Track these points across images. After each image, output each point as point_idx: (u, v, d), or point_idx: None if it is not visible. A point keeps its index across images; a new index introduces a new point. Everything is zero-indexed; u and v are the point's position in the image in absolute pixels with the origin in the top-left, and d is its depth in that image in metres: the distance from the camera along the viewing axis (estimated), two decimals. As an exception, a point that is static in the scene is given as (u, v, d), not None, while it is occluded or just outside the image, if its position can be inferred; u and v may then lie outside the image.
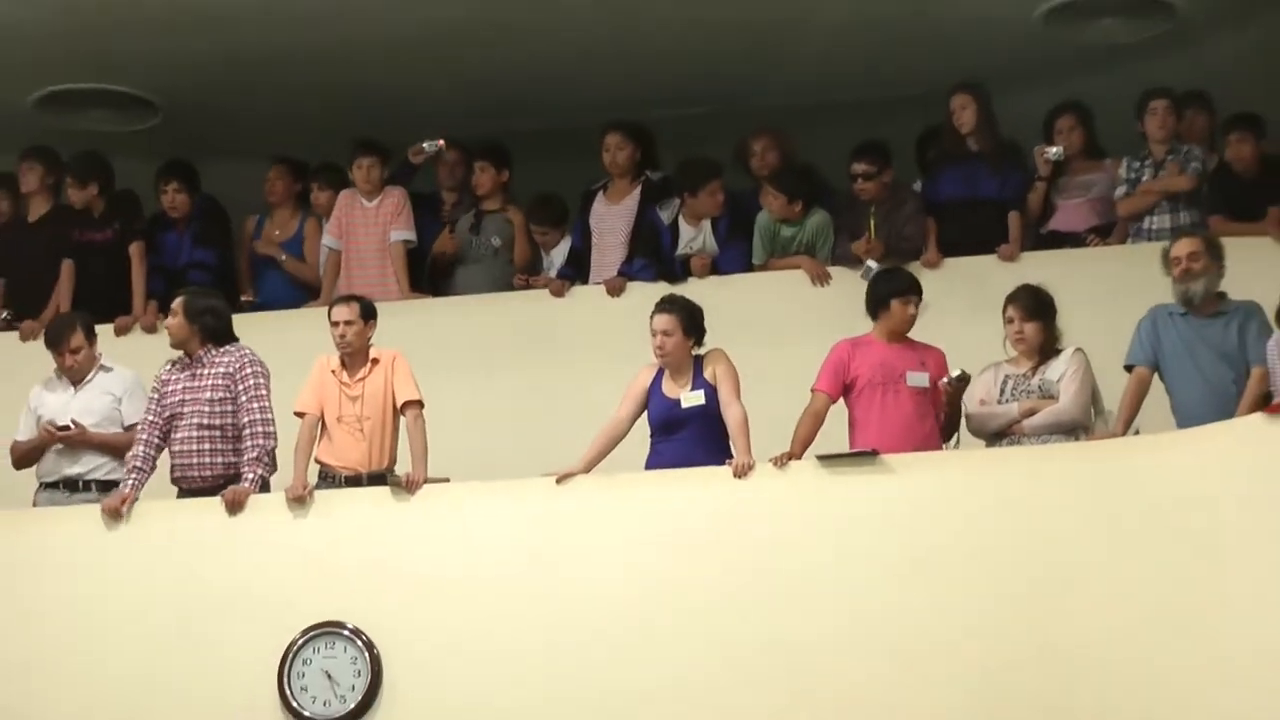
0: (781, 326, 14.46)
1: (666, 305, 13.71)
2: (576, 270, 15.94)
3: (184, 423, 14.21)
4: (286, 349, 14.77)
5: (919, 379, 13.43)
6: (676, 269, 15.58)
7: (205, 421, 14.17)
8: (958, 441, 13.75)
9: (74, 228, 16.63)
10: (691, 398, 13.60)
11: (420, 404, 14.08)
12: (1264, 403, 12.54)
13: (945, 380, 13.35)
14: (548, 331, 15.67)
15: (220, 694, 13.67)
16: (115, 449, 14.61)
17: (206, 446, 14.18)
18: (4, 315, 16.66)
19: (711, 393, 13.55)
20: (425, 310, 15.89)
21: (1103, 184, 15.18)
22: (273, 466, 14.14)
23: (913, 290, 13.83)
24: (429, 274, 16.45)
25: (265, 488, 14.01)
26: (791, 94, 16.30)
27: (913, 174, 15.83)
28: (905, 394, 13.47)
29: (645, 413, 13.80)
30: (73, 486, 14.68)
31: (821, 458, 13.32)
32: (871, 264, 14.65)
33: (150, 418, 14.30)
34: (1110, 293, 13.91)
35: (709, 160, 15.82)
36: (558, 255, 16.06)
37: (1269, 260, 13.93)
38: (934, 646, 13.04)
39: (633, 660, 13.28)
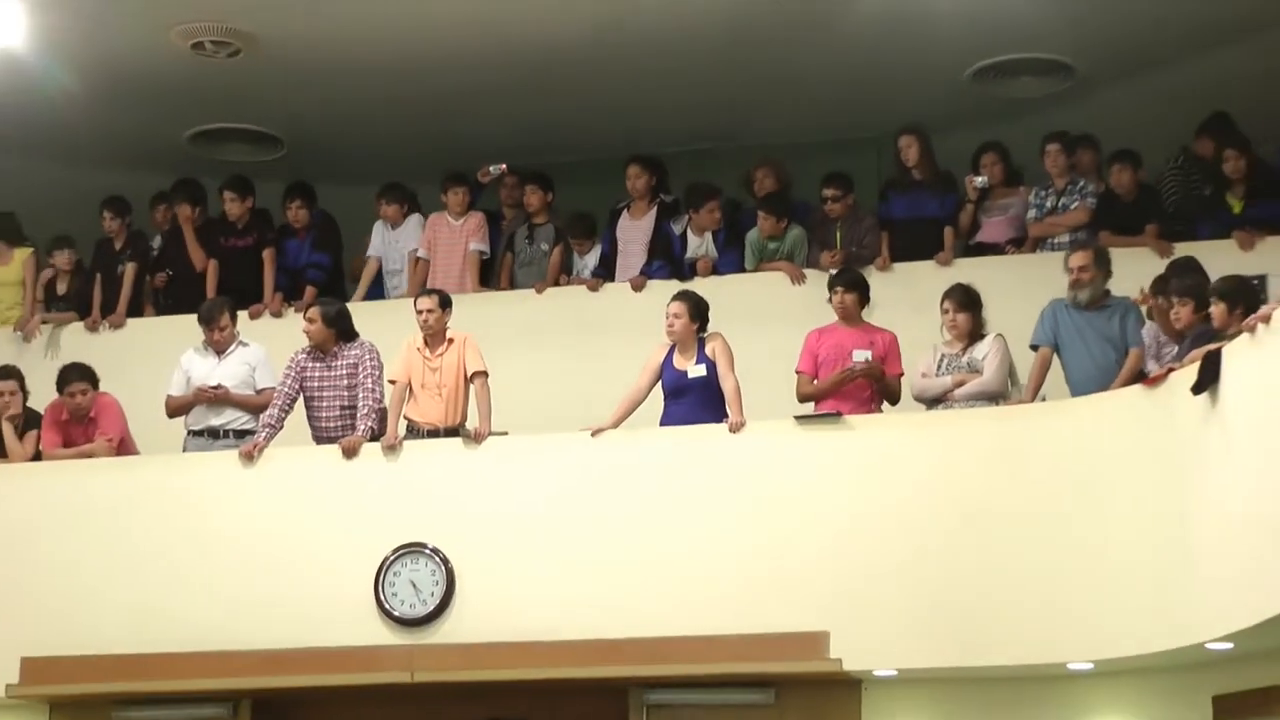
0: (767, 316, 14.48)
1: (680, 296, 13.98)
2: (606, 271, 15.97)
3: (325, 404, 14.58)
4: (385, 332, 14.94)
5: (863, 355, 13.60)
6: (685, 270, 15.65)
7: (344, 403, 14.51)
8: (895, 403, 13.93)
9: (220, 235, 16.72)
10: (696, 370, 13.74)
11: (485, 374, 14.21)
12: (1138, 378, 12.69)
13: (852, 364, 13.57)
14: (584, 318, 15.72)
15: (330, 600, 13.84)
16: (249, 407, 14.80)
17: (348, 421, 14.42)
18: (167, 272, 16.77)
19: (711, 366, 13.68)
20: (491, 301, 15.90)
21: (1018, 206, 15.31)
22: (381, 427, 14.26)
23: (834, 285, 14.09)
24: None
25: (374, 439, 14.10)
26: (771, 135, 16.30)
27: (869, 197, 15.86)
28: (857, 364, 13.63)
29: (659, 382, 13.91)
30: (215, 434, 14.84)
31: (797, 418, 13.52)
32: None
33: (285, 389, 14.58)
34: (1024, 291, 13.95)
35: (709, 184, 15.96)
36: (590, 259, 16.08)
37: (1146, 265, 14.01)
38: (883, 557, 13.19)
39: (647, 564, 13.56)
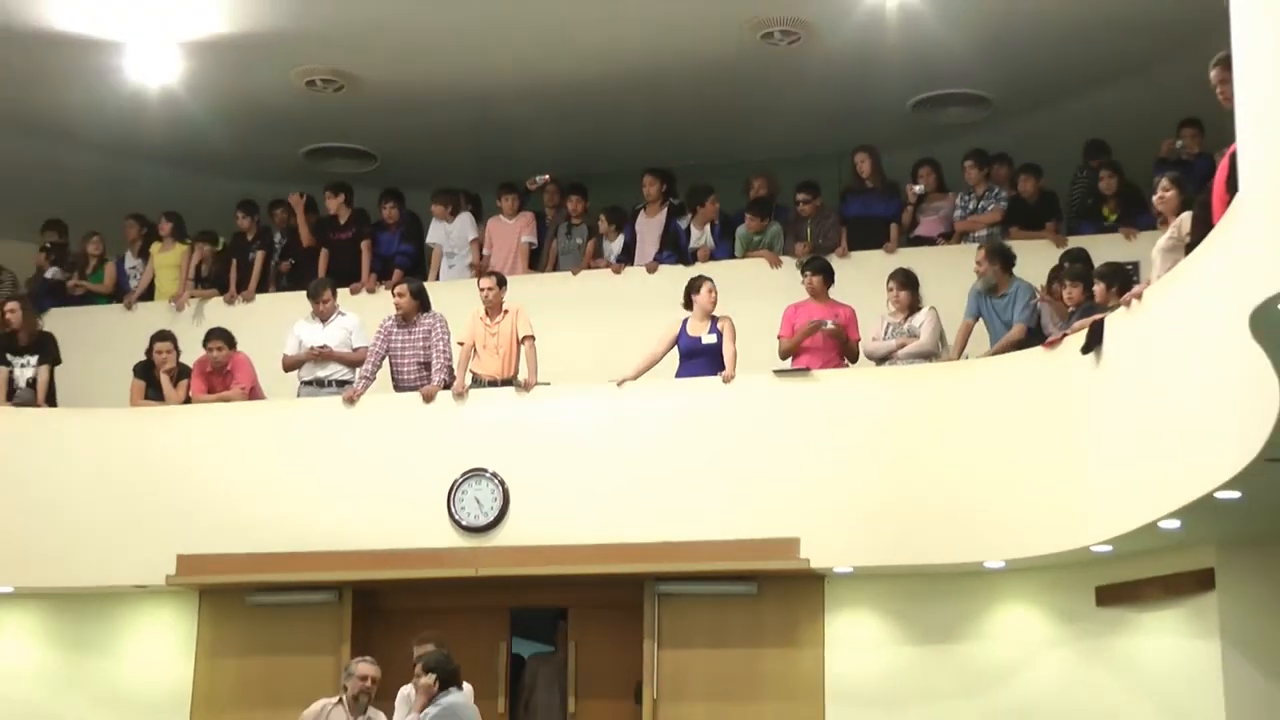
0: (751, 293, 14.44)
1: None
2: (627, 257, 16.01)
3: (406, 361, 14.64)
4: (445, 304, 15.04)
5: (829, 322, 13.75)
6: (689, 257, 15.64)
7: (421, 360, 14.56)
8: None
9: (330, 230, 16.79)
10: (709, 337, 13.88)
11: (532, 337, 14.32)
12: (1015, 348, 13.09)
13: (823, 326, 13.65)
14: (610, 294, 15.72)
15: (412, 512, 14.01)
16: (347, 362, 14.87)
17: (423, 374, 14.49)
18: (290, 261, 16.92)
19: (719, 336, 13.81)
20: (537, 281, 15.91)
21: (947, 208, 15.30)
22: (450, 379, 14.34)
23: (805, 269, 14.27)
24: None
25: (445, 388, 14.20)
26: (755, 151, 16.25)
27: (832, 200, 15.89)
28: (819, 334, 13.71)
29: (675, 346, 14.05)
30: (321, 384, 14.90)
31: (776, 372, 13.66)
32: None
33: (376, 349, 14.65)
34: (952, 274, 13.94)
35: (706, 187, 15.98)
36: (616, 246, 16.03)
37: (1045, 254, 14.10)
38: (842, 479, 13.34)
39: (659, 485, 13.72)
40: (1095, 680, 12.79)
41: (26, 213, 17.54)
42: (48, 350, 15.56)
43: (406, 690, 11.96)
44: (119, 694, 14.83)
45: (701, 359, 13.98)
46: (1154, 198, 11.90)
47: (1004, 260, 13.45)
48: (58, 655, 15.12)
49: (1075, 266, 12.99)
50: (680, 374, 14.10)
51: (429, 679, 11.18)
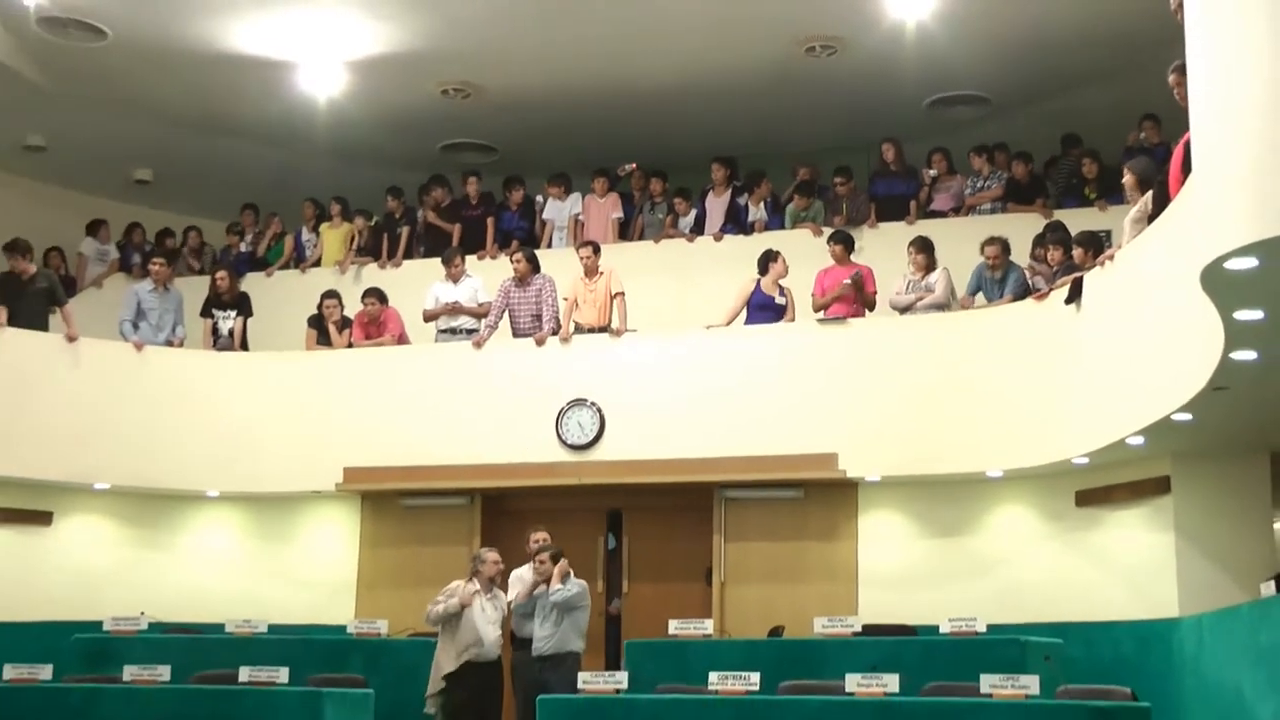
0: (799, 256, 14.41)
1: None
2: (698, 229, 15.94)
3: (522, 313, 14.63)
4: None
5: (850, 279, 13.72)
6: (748, 229, 15.62)
7: (534, 312, 14.53)
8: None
9: (461, 209, 16.80)
10: (780, 299, 14.01)
11: (622, 294, 14.43)
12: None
13: (844, 284, 13.64)
14: (685, 259, 15.69)
15: (529, 433, 14.12)
16: (475, 315, 14.91)
17: (535, 324, 14.47)
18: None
19: (785, 297, 13.97)
20: (626, 249, 15.84)
21: (957, 187, 15.24)
22: (557, 328, 14.39)
23: (829, 241, 14.22)
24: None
25: (554, 334, 14.29)
26: (802, 142, 16.22)
27: (863, 182, 15.88)
28: (851, 290, 13.71)
29: (749, 300, 14.07)
30: (454, 332, 14.98)
31: (819, 320, 13.71)
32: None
33: (498, 304, 14.73)
34: (960, 239, 13.94)
35: (761, 171, 15.99)
36: (689, 220, 15.91)
37: (1035, 223, 14.05)
38: (871, 405, 13.39)
39: (727, 411, 13.80)
40: (1074, 566, 12.92)
41: (225, 198, 17.76)
42: (244, 306, 15.76)
43: (519, 571, 12.25)
44: (301, 576, 15.11)
45: (769, 313, 14.10)
46: (1123, 179, 11.90)
47: (1004, 248, 13.46)
48: (254, 546, 15.42)
49: (1058, 234, 13.01)
50: (749, 322, 14.15)
51: (565, 563, 11.84)
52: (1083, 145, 14.85)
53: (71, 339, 14.67)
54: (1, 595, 14.36)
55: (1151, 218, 10.43)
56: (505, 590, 12.24)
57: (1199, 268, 7.60)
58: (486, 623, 11.96)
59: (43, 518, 15.00)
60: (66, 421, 14.53)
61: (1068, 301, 12.02)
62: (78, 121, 16.35)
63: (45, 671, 11.45)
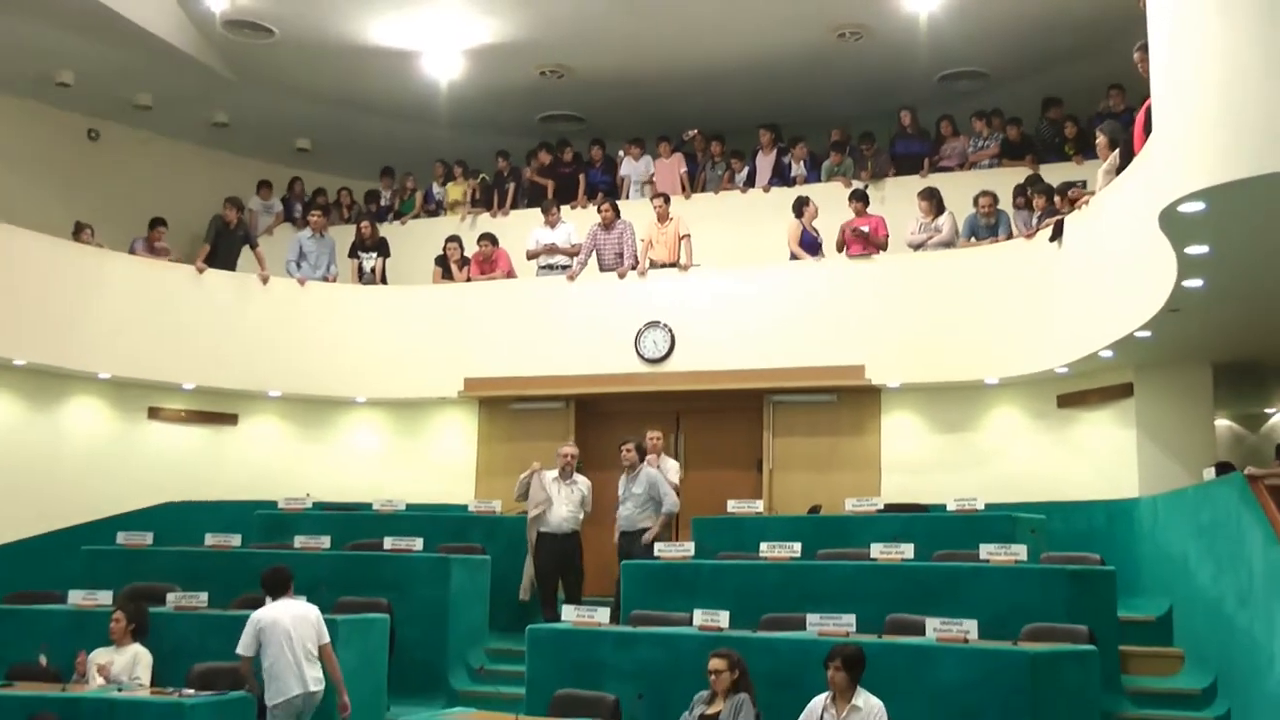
0: (832, 203, 14.28)
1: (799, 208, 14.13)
2: (750, 183, 15.74)
3: (608, 253, 14.66)
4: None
5: (864, 227, 13.66)
6: (790, 182, 15.40)
7: (617, 251, 14.55)
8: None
9: (558, 167, 16.68)
10: (818, 236, 13.96)
11: (689, 236, 14.40)
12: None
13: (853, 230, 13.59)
14: (738, 206, 15.47)
15: (614, 348, 14.18)
16: (568, 254, 14.93)
17: (619, 261, 14.51)
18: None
19: (820, 237, 13.94)
20: (692, 201, 15.61)
21: (961, 147, 15.03)
22: (636, 263, 14.37)
23: (850, 200, 14.02)
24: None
25: (634, 268, 14.31)
26: (832, 110, 16.01)
27: (885, 143, 15.70)
28: (859, 235, 13.64)
29: (800, 240, 14.00)
30: (552, 268, 15.02)
31: (849, 256, 13.60)
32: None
33: (587, 244, 14.78)
34: (963, 190, 13.78)
35: (800, 134, 15.72)
36: (742, 175, 15.67)
37: (1023, 174, 13.94)
38: (891, 324, 13.38)
39: (776, 331, 13.77)
40: (1055, 456, 12.97)
41: (367, 162, 17.83)
42: (383, 249, 15.85)
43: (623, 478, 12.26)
44: (431, 466, 15.32)
45: (813, 247, 14.05)
46: (1095, 140, 11.79)
47: (994, 200, 13.33)
48: (393, 441, 15.63)
49: (1038, 185, 12.95)
50: (791, 259, 14.09)
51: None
52: (1061, 105, 14.66)
53: (264, 279, 15.02)
54: (200, 480, 14.88)
55: (1119, 170, 10.40)
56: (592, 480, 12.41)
57: (1157, 211, 7.67)
58: (560, 502, 12.12)
59: (230, 419, 15.33)
60: (247, 343, 14.84)
61: (1051, 239, 11.99)
62: (252, 102, 16.48)
63: (235, 539, 11.82)
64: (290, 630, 8.81)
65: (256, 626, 8.83)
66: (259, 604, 9.15)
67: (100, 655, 9.28)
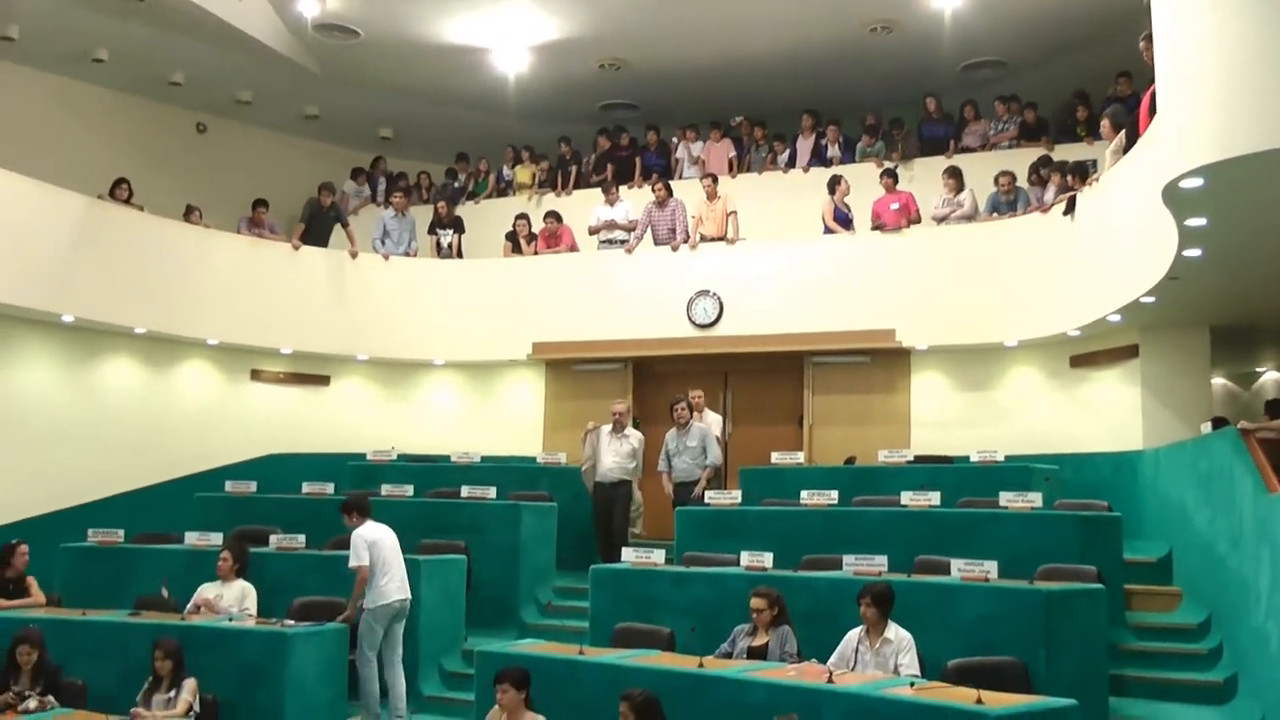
0: (864, 182, 14.26)
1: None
2: (791, 164, 15.60)
3: (662, 228, 14.62)
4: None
5: (895, 203, 13.60)
6: (827, 163, 15.25)
7: (670, 227, 14.54)
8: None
9: (616, 150, 16.64)
10: (850, 212, 13.94)
11: (735, 212, 14.31)
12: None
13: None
14: (781, 186, 15.34)
15: (667, 314, 14.15)
16: (626, 229, 14.90)
17: (672, 236, 14.48)
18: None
19: (851, 212, 13.89)
20: (738, 180, 15.47)
21: (982, 129, 14.88)
22: (687, 237, 14.33)
23: (881, 176, 13.99)
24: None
25: (685, 241, 14.28)
26: (864, 97, 15.89)
27: (914, 127, 15.57)
28: (891, 211, 13.59)
29: (834, 217, 13.95)
30: (611, 243, 14.98)
31: (882, 231, 13.51)
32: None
33: (643, 220, 14.78)
34: (984, 170, 13.67)
35: (836, 119, 15.52)
36: (784, 157, 15.60)
37: (1037, 154, 13.84)
38: (920, 290, 13.27)
39: (815, 299, 13.71)
40: (1069, 413, 12.93)
41: (444, 148, 17.91)
42: (458, 226, 15.92)
43: (672, 432, 12.29)
44: (502, 421, 15.45)
45: (845, 222, 14.01)
46: (1102, 124, 11.68)
47: (1013, 178, 13.23)
48: (468, 400, 15.74)
49: (1053, 164, 12.85)
50: (827, 232, 14.05)
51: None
52: (1089, 100, 14.49)
53: (354, 254, 15.16)
54: (296, 435, 15.14)
55: (1125, 150, 10.31)
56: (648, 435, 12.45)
57: (1160, 186, 7.67)
58: (608, 454, 12.17)
59: (323, 380, 15.52)
60: (338, 311, 15.01)
61: (1065, 213, 11.91)
62: (340, 96, 16.60)
63: (329, 487, 11.98)
64: (394, 544, 9.31)
65: (367, 541, 9.16)
66: (345, 545, 9.39)
67: (208, 589, 9.57)
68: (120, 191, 13.76)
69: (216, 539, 10.54)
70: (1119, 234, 10.43)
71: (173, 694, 7.89)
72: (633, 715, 6.39)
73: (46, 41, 14.39)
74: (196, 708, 7.90)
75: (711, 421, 12.63)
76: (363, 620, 9.13)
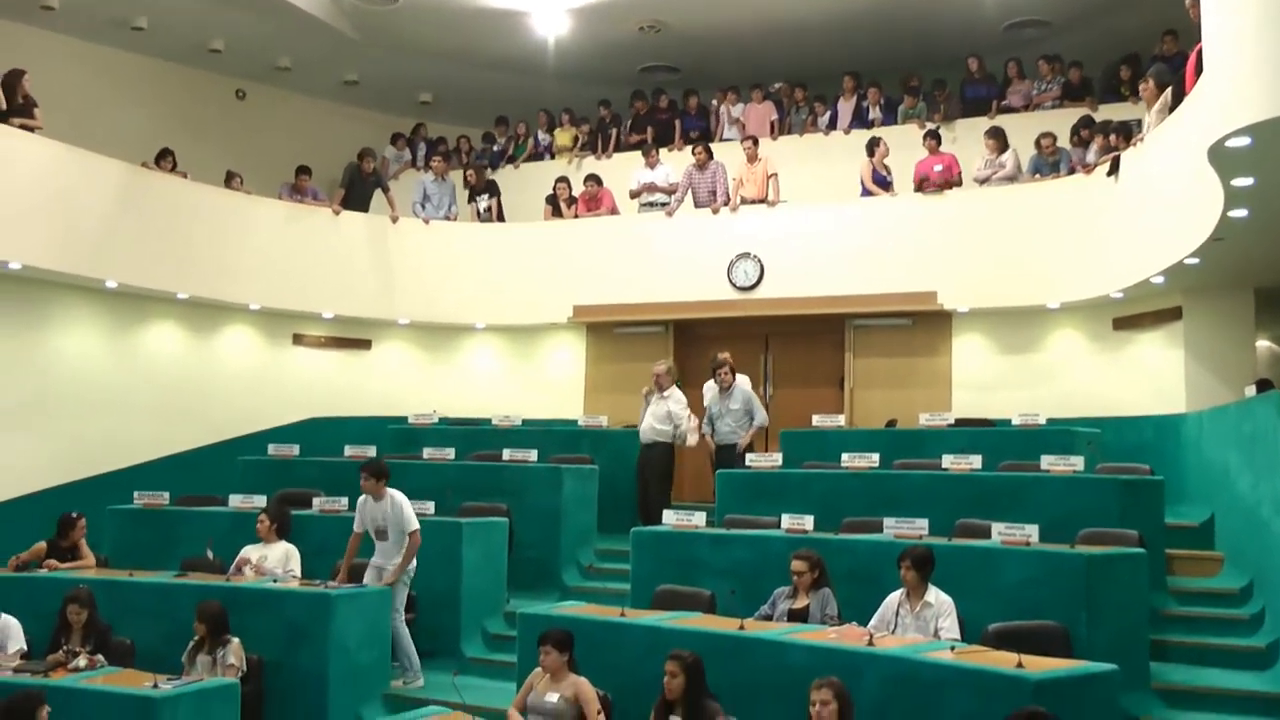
0: (905, 144, 14.16)
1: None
2: (832, 125, 15.52)
3: (702, 190, 14.58)
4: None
5: (939, 165, 13.51)
6: (868, 125, 15.20)
7: (710, 188, 14.48)
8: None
9: (655, 113, 16.57)
10: (889, 174, 13.83)
11: (776, 175, 14.26)
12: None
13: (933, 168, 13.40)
14: (822, 148, 15.28)
15: (708, 277, 14.12)
16: (666, 191, 14.84)
17: (712, 198, 14.41)
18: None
19: (890, 174, 13.76)
20: (779, 143, 15.39)
21: (1026, 89, 14.78)
22: (728, 199, 14.28)
23: (925, 137, 13.90)
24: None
25: (726, 204, 14.24)
26: (909, 59, 15.80)
27: (957, 87, 15.46)
28: (936, 171, 13.47)
29: (872, 179, 13.87)
30: (652, 205, 14.92)
31: (926, 192, 13.44)
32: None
33: (683, 183, 14.65)
34: (1027, 129, 13.61)
35: (878, 81, 15.42)
36: (824, 120, 15.54)
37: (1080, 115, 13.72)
38: (963, 253, 13.25)
39: (856, 262, 13.60)
40: (1111, 374, 12.87)
41: (483, 112, 17.85)
42: (492, 189, 15.94)
43: (709, 383, 12.30)
44: (543, 384, 15.52)
45: (884, 184, 13.89)
46: (1148, 81, 11.52)
47: (1055, 140, 13.13)
48: (509, 363, 15.82)
49: (1101, 124, 12.73)
50: (864, 194, 13.99)
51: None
52: (1140, 62, 14.33)
53: (394, 219, 15.22)
54: (339, 398, 15.31)
55: (1170, 109, 10.21)
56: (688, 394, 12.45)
57: (1206, 146, 7.62)
58: (647, 415, 12.17)
59: (364, 344, 15.63)
60: (379, 276, 15.12)
61: (1109, 174, 11.82)
62: (379, 62, 16.60)
63: (371, 450, 12.13)
64: None
65: (410, 505, 9.44)
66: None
67: (250, 551, 9.70)
68: (165, 163, 13.87)
69: (260, 501, 10.70)
70: (1163, 195, 10.35)
71: (218, 654, 8.02)
72: (681, 675, 6.50)
73: (86, 10, 14.46)
74: (242, 667, 8.02)
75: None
76: (398, 581, 9.31)
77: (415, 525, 9.30)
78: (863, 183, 13.97)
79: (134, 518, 11.12)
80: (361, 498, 9.55)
